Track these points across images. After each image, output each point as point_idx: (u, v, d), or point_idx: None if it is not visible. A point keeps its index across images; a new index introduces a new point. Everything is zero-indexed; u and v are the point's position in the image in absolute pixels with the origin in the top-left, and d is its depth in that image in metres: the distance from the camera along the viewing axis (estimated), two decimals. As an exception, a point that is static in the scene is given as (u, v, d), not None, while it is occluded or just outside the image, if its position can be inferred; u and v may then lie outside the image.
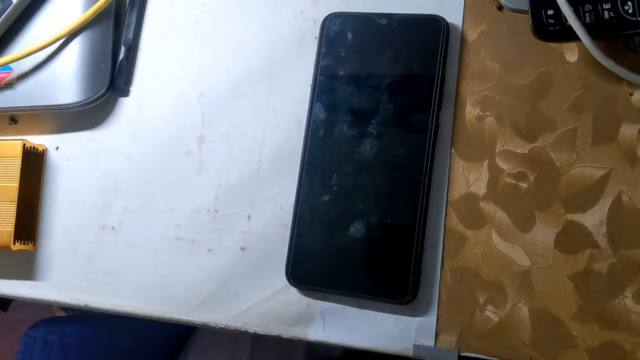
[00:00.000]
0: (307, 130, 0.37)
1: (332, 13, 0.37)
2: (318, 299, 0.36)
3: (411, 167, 0.34)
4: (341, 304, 0.35)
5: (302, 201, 0.36)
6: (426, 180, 0.34)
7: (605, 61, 0.30)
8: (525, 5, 0.32)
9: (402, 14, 0.36)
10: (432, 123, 0.34)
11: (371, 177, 0.35)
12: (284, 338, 0.37)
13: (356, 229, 0.35)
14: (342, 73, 0.36)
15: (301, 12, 0.39)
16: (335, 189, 0.35)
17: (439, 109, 0.35)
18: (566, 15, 0.30)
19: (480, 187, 0.35)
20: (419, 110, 0.35)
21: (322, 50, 0.37)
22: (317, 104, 0.36)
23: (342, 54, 0.37)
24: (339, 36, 0.37)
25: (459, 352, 0.34)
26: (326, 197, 0.35)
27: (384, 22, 0.36)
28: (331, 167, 0.36)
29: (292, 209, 0.36)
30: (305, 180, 0.36)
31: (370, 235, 0.34)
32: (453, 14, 0.36)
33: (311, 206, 0.36)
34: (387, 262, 0.34)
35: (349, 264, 0.35)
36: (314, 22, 0.39)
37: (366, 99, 0.36)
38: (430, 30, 0.35)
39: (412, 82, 0.35)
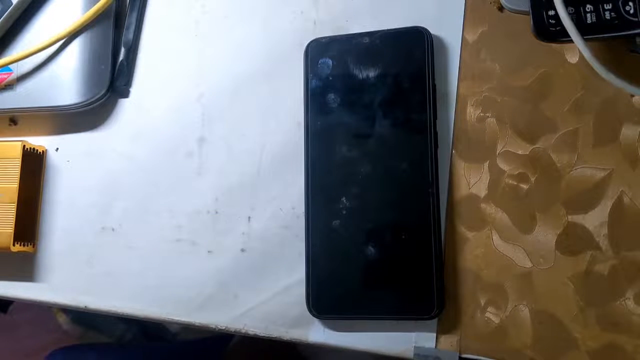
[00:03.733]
0: (306, 158, 0.36)
1: (314, 40, 0.37)
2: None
3: (417, 179, 0.34)
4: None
5: (312, 230, 0.35)
6: (434, 190, 0.34)
7: (603, 73, 0.30)
8: (526, 6, 0.32)
9: (383, 30, 0.36)
10: (430, 132, 0.34)
11: (378, 195, 0.35)
12: (284, 340, 0.37)
13: (372, 250, 0.34)
14: (332, 97, 0.36)
15: (301, 12, 0.39)
16: (344, 212, 0.35)
17: (435, 117, 0.34)
18: (566, 27, 0.30)
19: (481, 189, 0.35)
20: (416, 122, 0.34)
21: (310, 76, 0.37)
22: (312, 134, 0.36)
23: (330, 79, 0.36)
24: (324, 62, 0.37)
25: (459, 354, 0.33)
26: (336, 222, 0.35)
27: (367, 41, 0.36)
28: (337, 191, 0.35)
29: (304, 239, 0.36)
30: (312, 209, 0.36)
31: (387, 253, 0.34)
32: (454, 15, 0.36)
33: (322, 233, 0.35)
34: (408, 278, 0.34)
35: (370, 286, 0.34)
36: (314, 22, 0.39)
37: (361, 119, 0.35)
38: (413, 42, 0.35)
39: (404, 95, 0.35)
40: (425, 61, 0.35)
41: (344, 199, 0.35)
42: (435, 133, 0.34)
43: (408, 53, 0.35)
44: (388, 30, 0.36)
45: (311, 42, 0.37)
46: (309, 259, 0.35)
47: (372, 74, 0.35)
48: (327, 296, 0.35)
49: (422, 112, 0.34)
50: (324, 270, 0.35)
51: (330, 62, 0.36)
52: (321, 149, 0.36)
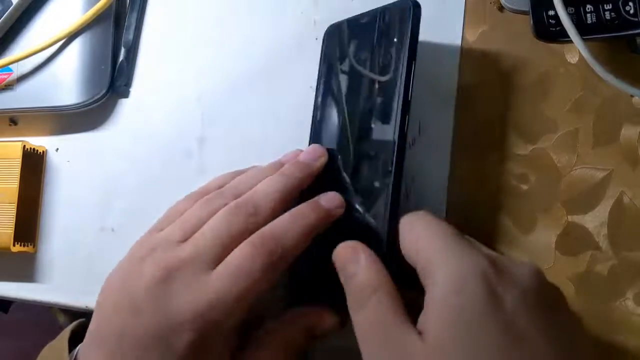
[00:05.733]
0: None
1: (330, 25, 0.36)
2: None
3: (379, 166, 0.30)
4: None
5: None
6: (391, 180, 0.30)
7: (603, 73, 0.30)
8: (526, 6, 0.32)
9: (375, 9, 0.33)
10: (396, 116, 0.30)
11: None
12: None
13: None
14: (339, 85, 0.35)
15: (301, 13, 0.39)
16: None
17: (405, 102, 0.30)
18: (566, 27, 0.30)
19: (481, 189, 0.35)
20: (383, 108, 0.31)
21: (322, 68, 0.36)
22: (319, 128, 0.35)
23: (338, 64, 0.35)
24: (333, 49, 0.36)
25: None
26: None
27: (365, 21, 0.34)
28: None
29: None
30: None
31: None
32: (454, 15, 0.36)
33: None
34: None
35: None
36: (314, 22, 0.39)
37: (357, 112, 0.33)
38: (399, 17, 0.32)
39: (390, 68, 0.31)
40: (405, 35, 0.31)
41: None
42: (403, 118, 0.30)
43: (393, 29, 0.32)
44: (379, 7, 0.33)
45: (328, 28, 0.37)
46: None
47: (370, 53, 0.33)
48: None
49: (391, 98, 0.31)
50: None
51: (337, 48, 0.35)
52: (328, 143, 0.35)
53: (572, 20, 0.30)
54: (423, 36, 0.36)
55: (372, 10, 0.34)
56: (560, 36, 0.31)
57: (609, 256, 0.32)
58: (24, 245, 0.40)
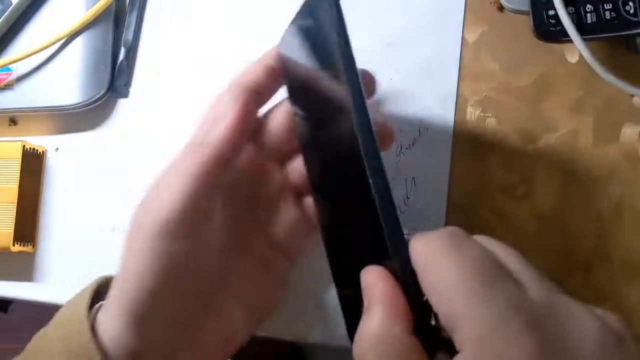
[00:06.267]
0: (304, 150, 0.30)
1: (283, 33, 0.31)
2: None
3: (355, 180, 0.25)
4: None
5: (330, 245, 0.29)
6: (372, 181, 0.24)
7: (603, 73, 0.30)
8: (526, 6, 0.32)
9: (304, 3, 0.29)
10: (354, 96, 0.25)
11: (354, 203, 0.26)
12: (285, 340, 0.37)
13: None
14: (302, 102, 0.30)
15: (301, 13, 0.39)
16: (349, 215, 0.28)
17: (358, 89, 0.25)
18: (566, 27, 0.30)
19: (481, 189, 0.35)
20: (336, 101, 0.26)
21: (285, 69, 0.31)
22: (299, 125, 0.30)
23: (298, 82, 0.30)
24: (291, 51, 0.31)
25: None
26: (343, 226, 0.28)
27: (299, 23, 0.30)
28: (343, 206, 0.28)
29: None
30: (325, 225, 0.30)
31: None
32: (454, 15, 0.36)
33: (337, 243, 0.29)
34: None
35: None
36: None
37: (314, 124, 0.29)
38: (323, 8, 0.27)
39: (329, 74, 0.27)
40: (334, 21, 0.26)
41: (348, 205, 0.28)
42: (362, 103, 0.25)
43: (321, 20, 0.27)
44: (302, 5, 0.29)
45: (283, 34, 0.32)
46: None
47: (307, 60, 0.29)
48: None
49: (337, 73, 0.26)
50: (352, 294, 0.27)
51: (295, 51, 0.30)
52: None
53: (572, 20, 0.30)
54: (423, 36, 0.36)
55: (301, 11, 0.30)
56: (560, 36, 0.31)
57: (609, 256, 0.32)
58: (23, 245, 0.40)
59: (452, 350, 0.20)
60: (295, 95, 0.31)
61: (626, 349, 0.19)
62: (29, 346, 0.29)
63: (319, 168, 0.30)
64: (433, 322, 0.22)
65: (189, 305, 0.27)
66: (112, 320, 0.27)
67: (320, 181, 0.30)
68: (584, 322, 0.19)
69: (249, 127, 0.28)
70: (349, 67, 0.25)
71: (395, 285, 0.22)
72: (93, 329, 0.27)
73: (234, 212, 0.29)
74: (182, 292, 0.27)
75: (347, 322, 0.28)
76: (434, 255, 0.21)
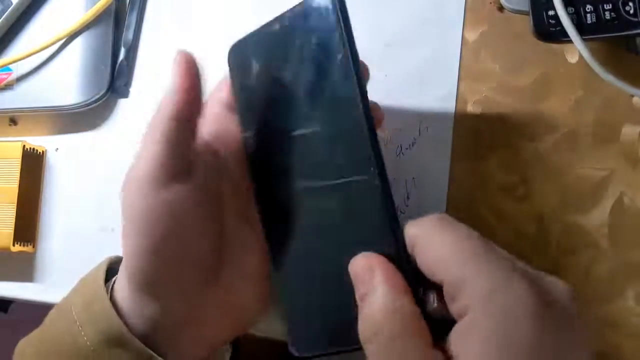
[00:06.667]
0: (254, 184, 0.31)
1: (234, 44, 0.32)
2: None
3: (358, 172, 0.26)
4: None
5: (277, 263, 0.30)
6: (377, 170, 0.26)
7: (603, 73, 0.30)
8: (526, 6, 0.32)
9: (289, 10, 0.30)
10: (362, 111, 0.26)
11: (331, 198, 0.27)
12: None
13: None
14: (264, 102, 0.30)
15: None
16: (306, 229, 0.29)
17: (362, 84, 0.27)
18: (565, 27, 0.30)
19: (481, 189, 0.35)
20: (345, 98, 0.27)
21: (236, 85, 0.32)
22: (252, 150, 0.31)
23: (255, 82, 0.31)
24: (245, 65, 0.31)
25: None
26: (299, 246, 0.29)
27: (277, 28, 0.30)
28: (291, 213, 0.29)
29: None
30: (274, 241, 0.30)
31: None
32: (454, 15, 0.36)
33: (292, 261, 0.29)
34: None
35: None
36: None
37: (295, 117, 0.29)
38: (322, 13, 0.28)
39: (327, 74, 0.28)
40: (337, 27, 0.27)
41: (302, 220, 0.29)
42: (366, 107, 0.26)
43: (320, 26, 0.28)
44: (293, 9, 0.29)
45: (232, 46, 0.32)
46: (286, 291, 0.30)
47: (294, 63, 0.29)
48: (312, 329, 0.29)
49: (348, 83, 0.27)
50: (302, 300, 0.29)
51: (250, 63, 0.31)
52: (263, 165, 0.31)
53: (572, 20, 0.30)
54: (423, 36, 0.36)
55: (284, 14, 0.30)
56: (560, 36, 0.31)
57: (609, 256, 0.32)
58: (23, 245, 0.40)
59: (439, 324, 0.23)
60: (254, 110, 0.31)
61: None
62: (47, 319, 0.31)
63: (275, 172, 0.30)
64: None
65: (187, 271, 0.28)
66: (123, 289, 0.29)
67: (275, 185, 0.30)
68: (556, 284, 0.23)
69: (197, 85, 0.30)
70: (356, 66, 0.27)
71: (392, 265, 0.24)
72: (111, 298, 0.29)
73: (217, 177, 0.31)
74: (177, 257, 0.28)
75: (296, 327, 0.29)
76: (432, 233, 0.24)
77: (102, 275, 0.30)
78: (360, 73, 0.27)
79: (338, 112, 0.27)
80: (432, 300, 0.24)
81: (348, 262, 0.25)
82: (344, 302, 0.26)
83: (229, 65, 0.32)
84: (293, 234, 0.29)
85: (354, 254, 0.25)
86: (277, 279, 0.30)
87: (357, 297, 0.25)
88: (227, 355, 0.34)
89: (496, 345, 0.20)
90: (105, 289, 0.29)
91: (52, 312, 0.31)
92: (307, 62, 0.29)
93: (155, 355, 0.27)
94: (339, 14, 0.27)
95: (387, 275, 0.24)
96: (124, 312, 0.28)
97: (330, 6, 0.27)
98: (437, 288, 0.23)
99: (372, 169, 0.26)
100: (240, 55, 0.32)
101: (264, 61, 0.31)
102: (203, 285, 0.29)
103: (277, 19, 0.30)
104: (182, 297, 0.28)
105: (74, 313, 0.29)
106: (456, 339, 0.22)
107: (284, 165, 0.29)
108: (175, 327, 0.29)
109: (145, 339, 0.27)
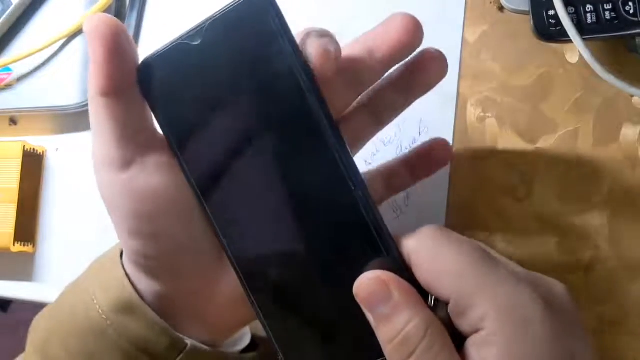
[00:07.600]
0: (204, 205, 0.26)
1: (142, 62, 0.27)
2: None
3: (334, 185, 0.25)
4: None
5: (251, 289, 0.26)
6: (355, 182, 0.24)
7: (603, 73, 0.30)
8: (526, 6, 0.32)
9: (212, 17, 0.27)
10: (320, 110, 0.25)
11: (303, 211, 0.25)
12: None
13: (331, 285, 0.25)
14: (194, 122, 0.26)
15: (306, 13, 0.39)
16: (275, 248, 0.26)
17: (315, 88, 0.25)
18: (566, 27, 0.30)
19: (481, 189, 0.35)
20: (297, 105, 0.25)
21: (153, 106, 0.27)
22: (193, 170, 0.26)
23: (181, 102, 0.26)
24: (163, 82, 0.26)
25: None
26: (273, 269, 0.26)
27: (198, 43, 0.27)
28: (258, 229, 0.26)
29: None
30: (241, 264, 0.26)
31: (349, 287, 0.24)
32: (454, 15, 0.36)
33: (266, 287, 0.26)
34: None
35: (343, 330, 0.26)
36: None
37: (242, 130, 0.26)
38: (256, 14, 0.25)
39: (272, 81, 0.25)
40: (277, 29, 0.25)
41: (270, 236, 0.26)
42: (328, 114, 0.25)
43: (255, 28, 0.25)
44: (217, 14, 0.27)
45: (139, 65, 0.26)
46: (266, 320, 0.26)
47: (227, 73, 0.26)
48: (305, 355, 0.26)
49: (298, 88, 0.25)
50: (285, 327, 0.26)
51: (168, 80, 0.26)
52: (213, 187, 0.26)
53: (572, 20, 0.30)
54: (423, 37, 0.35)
55: (206, 22, 0.27)
56: (560, 36, 0.31)
57: (609, 256, 0.32)
58: (23, 245, 0.40)
59: None
60: (185, 131, 0.26)
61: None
62: (59, 296, 0.31)
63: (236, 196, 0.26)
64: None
65: (181, 254, 0.27)
66: (126, 264, 0.29)
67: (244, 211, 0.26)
68: (554, 284, 0.24)
69: (120, 50, 0.26)
70: (308, 74, 0.25)
71: (403, 280, 0.24)
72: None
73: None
74: (163, 238, 0.27)
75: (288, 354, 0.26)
76: (432, 246, 0.24)
77: (117, 252, 0.30)
78: (312, 75, 0.24)
79: (300, 130, 0.25)
80: (443, 309, 0.24)
81: (344, 292, 0.24)
82: (346, 333, 0.25)
83: (140, 85, 0.26)
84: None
85: (351, 281, 0.24)
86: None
87: (373, 319, 0.23)
88: (245, 341, 0.32)
89: (517, 356, 0.21)
90: (120, 262, 0.29)
91: (65, 288, 0.31)
92: (247, 75, 0.25)
93: (166, 324, 0.27)
94: (274, 14, 0.25)
95: (405, 290, 0.23)
96: (134, 283, 0.28)
97: (265, 5, 0.25)
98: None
99: (351, 186, 0.24)
100: (156, 73, 0.27)
101: (190, 80, 0.26)
102: (204, 269, 0.27)
103: (197, 28, 0.27)
104: (178, 279, 0.27)
105: (87, 286, 0.29)
106: (473, 352, 0.22)
107: (249, 197, 0.26)
108: (176, 309, 0.28)
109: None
